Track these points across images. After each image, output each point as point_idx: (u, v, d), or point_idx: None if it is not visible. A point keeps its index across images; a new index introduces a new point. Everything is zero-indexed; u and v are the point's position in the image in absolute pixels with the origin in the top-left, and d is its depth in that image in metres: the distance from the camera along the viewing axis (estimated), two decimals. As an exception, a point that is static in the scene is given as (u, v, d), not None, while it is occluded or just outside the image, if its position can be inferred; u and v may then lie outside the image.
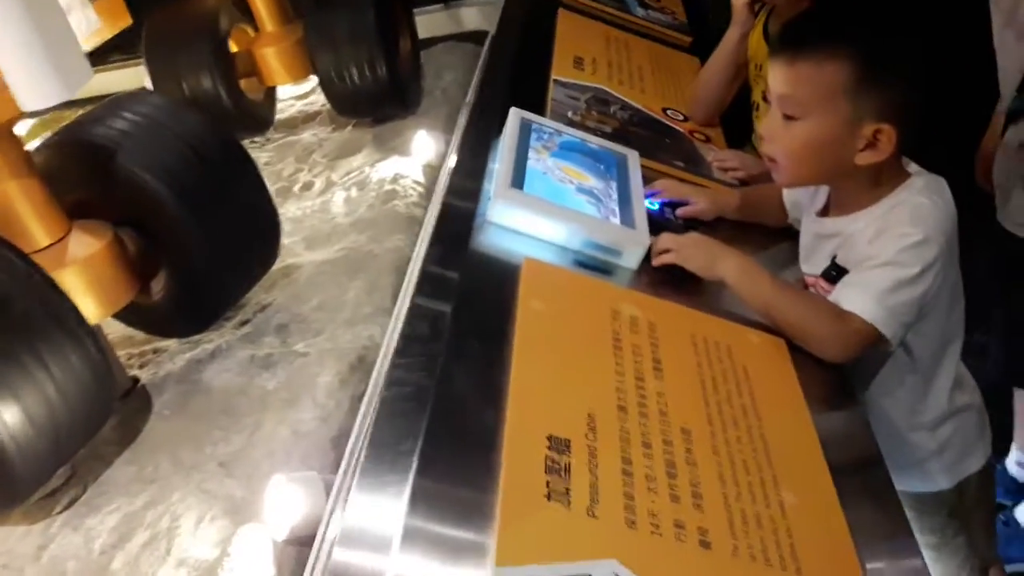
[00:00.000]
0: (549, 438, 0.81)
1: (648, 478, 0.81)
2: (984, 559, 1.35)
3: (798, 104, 1.06)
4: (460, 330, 0.97)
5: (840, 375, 1.09)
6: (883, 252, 1.05)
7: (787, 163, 1.11)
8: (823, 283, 1.18)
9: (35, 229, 1.41)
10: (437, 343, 0.96)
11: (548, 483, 0.76)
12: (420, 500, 0.76)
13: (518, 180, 1.16)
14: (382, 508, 0.78)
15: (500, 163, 1.19)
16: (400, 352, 0.95)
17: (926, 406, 1.20)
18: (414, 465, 0.79)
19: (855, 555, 0.81)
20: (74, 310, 1.28)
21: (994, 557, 1.43)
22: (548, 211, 1.13)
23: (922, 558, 0.87)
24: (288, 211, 2.13)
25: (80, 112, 1.67)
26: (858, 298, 1.04)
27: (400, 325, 1.40)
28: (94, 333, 1.31)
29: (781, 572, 0.76)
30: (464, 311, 1.00)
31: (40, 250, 1.41)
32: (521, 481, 0.76)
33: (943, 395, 1.20)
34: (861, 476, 0.95)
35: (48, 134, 1.62)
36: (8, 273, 1.22)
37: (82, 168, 1.52)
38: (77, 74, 1.34)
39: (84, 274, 1.43)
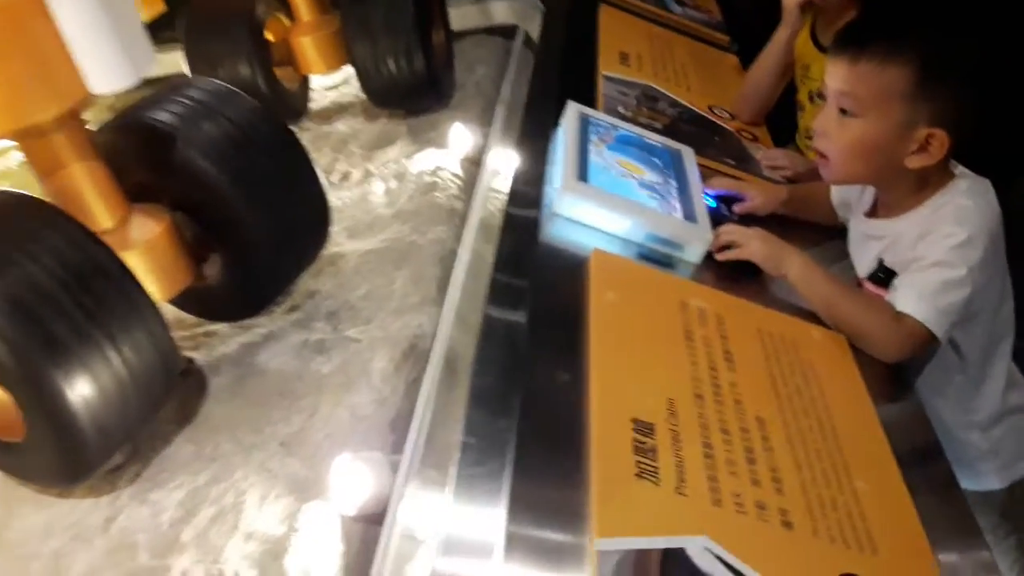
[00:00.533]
0: (634, 421, 0.85)
1: (729, 462, 0.85)
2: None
3: (856, 102, 1.08)
4: (536, 319, 1.01)
5: (897, 372, 1.12)
6: (930, 253, 1.09)
7: (838, 159, 1.14)
8: (870, 285, 1.22)
9: (98, 211, 1.45)
10: (515, 334, 1.00)
11: (638, 463, 0.80)
12: (519, 500, 0.78)
13: (582, 172, 1.19)
14: (481, 510, 0.81)
15: (564, 156, 1.22)
16: (481, 347, 0.98)
17: (978, 405, 1.23)
18: (509, 460, 0.82)
19: (926, 541, 0.85)
20: (140, 289, 1.31)
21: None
22: (613, 204, 1.17)
23: (989, 550, 0.91)
24: (328, 200, 2.16)
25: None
26: (911, 299, 1.07)
27: (454, 309, 1.45)
28: (158, 311, 1.35)
29: (859, 553, 0.80)
30: (538, 300, 1.04)
31: (103, 232, 1.44)
32: (612, 460, 0.80)
33: (995, 395, 1.23)
34: (923, 468, 0.99)
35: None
36: (80, 251, 1.26)
37: (141, 152, 1.55)
38: (144, 58, 1.37)
39: (145, 257, 1.46)
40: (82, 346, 1.21)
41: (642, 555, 0.73)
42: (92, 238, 1.29)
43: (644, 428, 0.84)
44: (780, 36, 1.60)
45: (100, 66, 1.31)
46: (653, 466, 0.80)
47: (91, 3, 1.27)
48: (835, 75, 1.11)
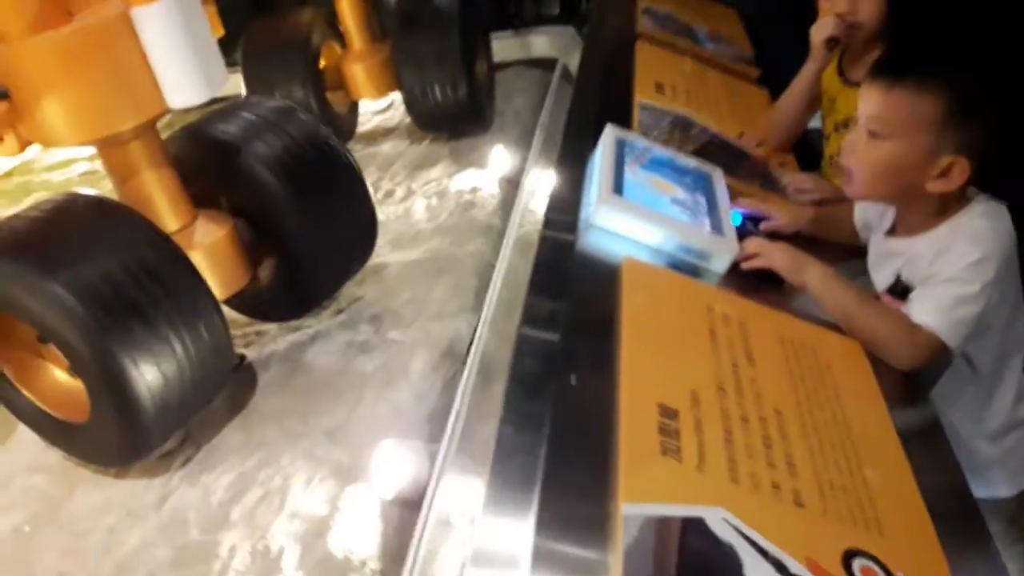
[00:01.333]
0: (659, 406, 0.92)
1: (747, 447, 0.91)
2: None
3: (886, 126, 1.15)
4: (572, 317, 1.09)
5: (913, 381, 1.18)
6: (946, 269, 1.15)
7: (862, 177, 1.21)
8: (888, 298, 1.28)
9: (167, 215, 1.57)
10: (553, 329, 1.08)
11: (661, 442, 0.87)
12: (552, 482, 0.83)
13: (618, 187, 1.28)
14: (515, 495, 0.87)
15: (601, 172, 1.31)
16: (521, 338, 1.06)
17: (988, 415, 1.28)
18: (544, 445, 0.89)
19: (932, 527, 0.90)
20: (204, 285, 1.42)
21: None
22: (646, 216, 1.25)
23: (998, 553, 0.96)
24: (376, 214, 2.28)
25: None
26: (925, 311, 1.14)
27: (491, 315, 1.53)
28: (219, 307, 1.45)
29: (866, 532, 0.86)
30: (574, 301, 1.12)
31: (171, 234, 1.56)
32: (638, 438, 0.87)
33: (1006, 406, 1.28)
34: (935, 471, 1.04)
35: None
36: (153, 248, 1.37)
37: (207, 161, 1.68)
38: (218, 76, 1.50)
39: (208, 258, 1.58)
40: (149, 335, 1.32)
41: (663, 523, 0.79)
42: (163, 237, 1.41)
43: (669, 412, 0.92)
44: (808, 70, 1.68)
45: (178, 82, 1.44)
46: (676, 445, 0.87)
47: (174, 25, 1.40)
48: (869, 100, 1.18)
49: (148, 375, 1.32)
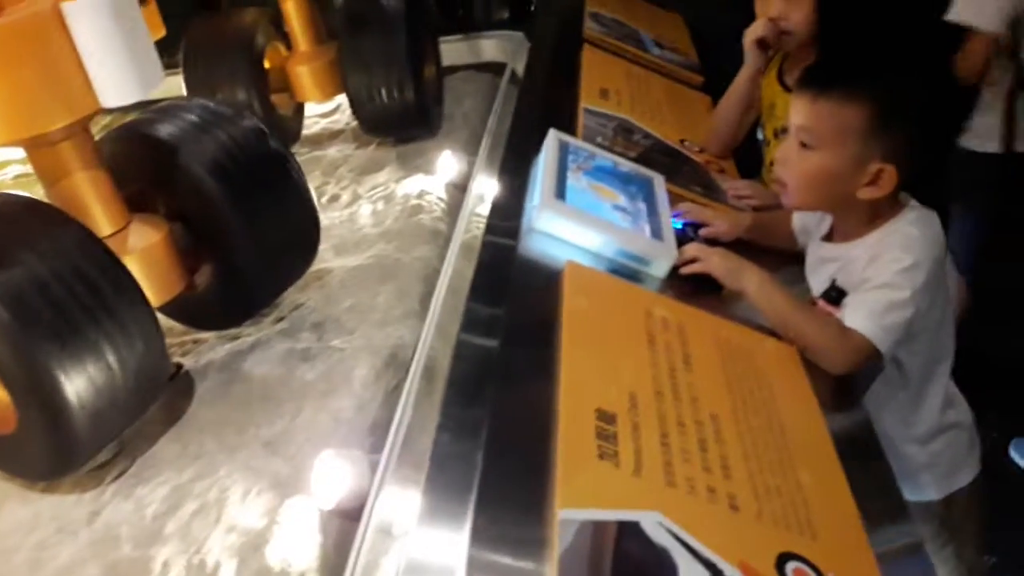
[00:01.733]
0: (597, 411, 0.92)
1: (683, 451, 0.92)
2: (972, 571, 1.46)
3: (814, 136, 1.18)
4: (512, 322, 1.09)
5: (845, 386, 1.21)
6: (878, 275, 1.18)
7: (795, 188, 1.24)
8: (823, 303, 1.31)
9: (100, 218, 1.52)
10: (493, 334, 1.08)
11: (599, 446, 0.87)
12: (488, 489, 0.83)
13: (560, 192, 1.28)
14: (453, 495, 0.86)
15: (543, 176, 1.32)
16: (460, 343, 1.06)
17: (917, 420, 1.31)
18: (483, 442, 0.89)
19: (863, 529, 0.92)
20: (139, 291, 1.38)
21: (983, 569, 1.54)
22: (587, 221, 1.26)
23: (922, 544, 0.98)
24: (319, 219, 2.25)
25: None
26: (858, 317, 1.16)
27: (435, 322, 1.52)
28: (154, 315, 1.41)
29: (799, 536, 0.87)
30: (514, 305, 1.12)
31: (104, 238, 1.51)
32: (576, 443, 0.87)
33: (934, 411, 1.32)
34: (866, 472, 1.06)
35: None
36: (83, 252, 1.33)
37: (142, 163, 1.63)
38: (153, 75, 1.46)
39: (142, 263, 1.53)
40: (79, 342, 1.27)
41: (599, 527, 0.79)
42: (95, 241, 1.36)
43: (607, 417, 0.92)
44: (742, 73, 1.71)
45: (111, 80, 1.39)
46: (613, 450, 0.87)
47: (106, 21, 1.36)
48: (797, 111, 1.21)
49: (78, 384, 1.27)
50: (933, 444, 1.32)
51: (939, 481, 1.35)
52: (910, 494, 1.35)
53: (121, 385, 1.34)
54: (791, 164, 1.22)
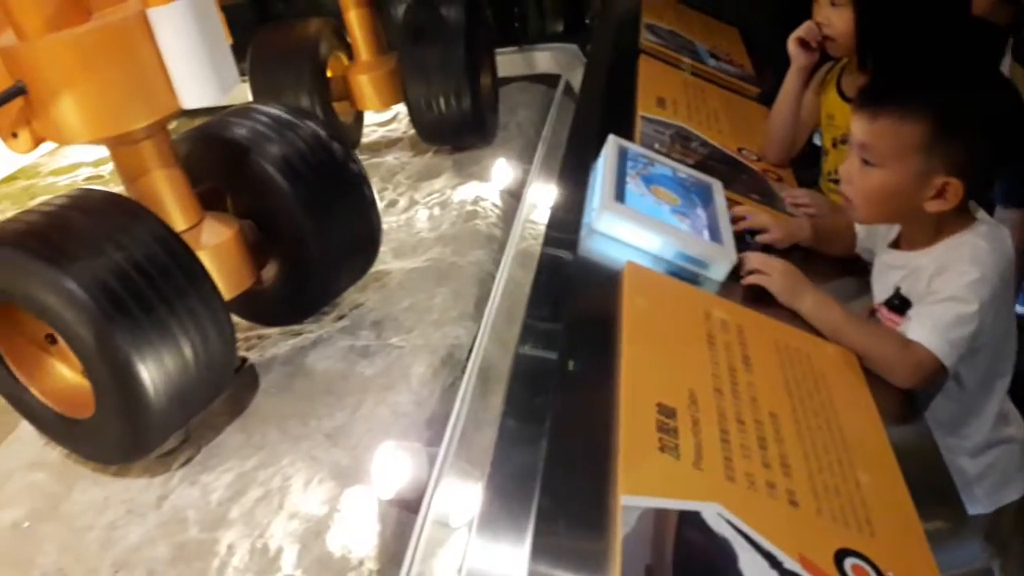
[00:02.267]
0: (658, 405, 0.94)
1: (743, 447, 0.93)
2: (1019, 586, 1.43)
3: (876, 154, 1.18)
4: (573, 320, 1.11)
5: (904, 395, 1.20)
6: (945, 288, 1.17)
7: (861, 204, 1.24)
8: (885, 311, 1.30)
9: (175, 214, 1.59)
10: (554, 330, 1.10)
11: (660, 438, 0.89)
12: (551, 480, 0.86)
13: (620, 195, 1.30)
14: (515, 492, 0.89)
15: (603, 180, 1.34)
16: (522, 339, 1.08)
17: (971, 432, 1.29)
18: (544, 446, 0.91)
19: (922, 530, 0.92)
20: (213, 285, 1.44)
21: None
22: (647, 223, 1.28)
23: (986, 555, 0.97)
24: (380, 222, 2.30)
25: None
26: (924, 330, 1.15)
27: (491, 323, 1.55)
28: (226, 307, 1.47)
29: (858, 533, 0.88)
30: (576, 303, 1.15)
31: (179, 233, 1.58)
32: (637, 433, 0.89)
33: (987, 425, 1.30)
34: (923, 473, 1.06)
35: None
36: (164, 246, 1.39)
37: (215, 162, 1.70)
38: (230, 77, 1.53)
39: (214, 259, 1.59)
40: (157, 331, 1.34)
41: (661, 515, 0.81)
42: (174, 235, 1.43)
43: (667, 411, 0.94)
44: (790, 75, 1.71)
45: (192, 82, 1.46)
46: (674, 443, 0.89)
47: (189, 26, 1.43)
48: (857, 129, 1.21)
49: (155, 372, 1.33)
50: (984, 457, 1.30)
51: (988, 495, 1.33)
52: (959, 507, 1.33)
53: (193, 374, 1.39)
54: (855, 182, 1.22)
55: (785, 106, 1.75)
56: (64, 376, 1.51)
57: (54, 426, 1.52)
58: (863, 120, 1.19)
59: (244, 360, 1.73)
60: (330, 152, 1.74)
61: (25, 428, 1.61)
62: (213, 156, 1.68)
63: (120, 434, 1.41)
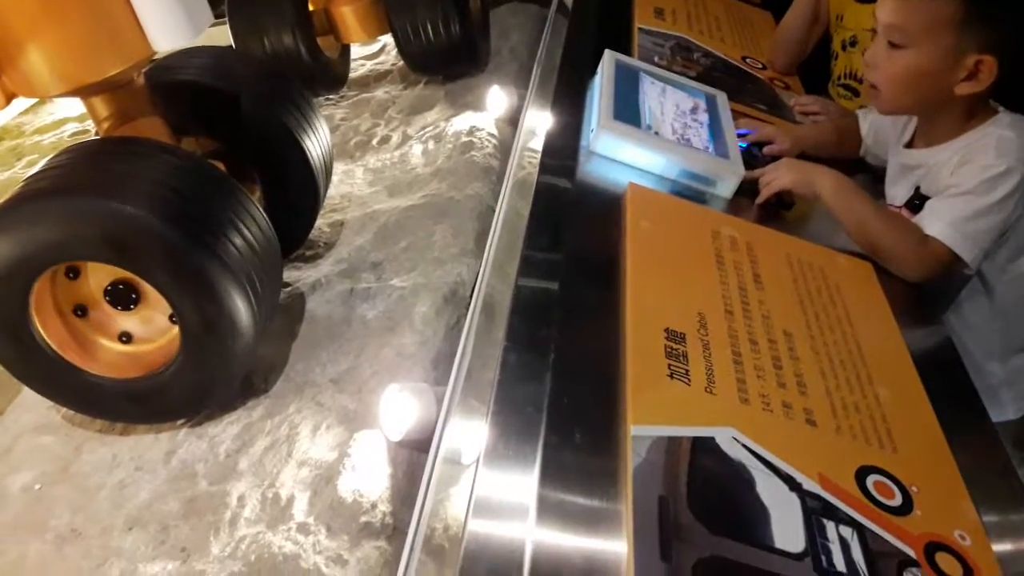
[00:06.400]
0: (666, 330, 0.90)
1: (757, 368, 0.89)
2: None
3: (905, 34, 1.10)
4: (574, 247, 1.06)
5: (923, 298, 1.15)
6: (965, 181, 1.11)
7: (889, 90, 1.17)
8: (907, 212, 1.24)
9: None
10: (555, 259, 1.05)
11: (669, 365, 0.85)
12: (556, 411, 0.83)
13: (619, 113, 1.24)
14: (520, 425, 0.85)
15: (600, 98, 1.27)
16: (524, 261, 1.04)
17: (1000, 336, 1.26)
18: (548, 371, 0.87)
19: (945, 442, 0.88)
20: (255, 205, 1.38)
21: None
22: (648, 142, 1.21)
23: (1013, 468, 0.94)
24: (368, 163, 2.23)
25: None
26: (938, 223, 1.10)
27: (493, 258, 1.50)
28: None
29: (879, 449, 0.84)
30: (577, 228, 1.09)
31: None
32: (645, 362, 0.85)
33: (1017, 329, 1.26)
34: (945, 383, 1.02)
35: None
36: (198, 173, 1.33)
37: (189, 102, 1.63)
38: (202, 17, 1.45)
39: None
40: (226, 249, 1.28)
41: (673, 443, 0.78)
42: (202, 160, 1.39)
43: (676, 336, 0.89)
44: None
45: (162, 23, 1.39)
46: (684, 368, 0.85)
47: (153, -36, 1.34)
48: (885, 9, 1.13)
49: (237, 290, 1.28)
50: (1014, 360, 1.26)
51: (1018, 400, 1.30)
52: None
53: (262, 302, 1.35)
54: (881, 67, 1.15)
55: (800, 12, 1.66)
56: (108, 344, 1.45)
57: (112, 400, 1.45)
58: None
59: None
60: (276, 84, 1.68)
61: (27, 393, 1.59)
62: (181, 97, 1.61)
63: (212, 369, 1.35)
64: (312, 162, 1.69)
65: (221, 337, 1.30)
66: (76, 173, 1.28)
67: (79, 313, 1.40)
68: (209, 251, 1.25)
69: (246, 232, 1.34)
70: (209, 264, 1.25)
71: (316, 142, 1.73)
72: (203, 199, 1.29)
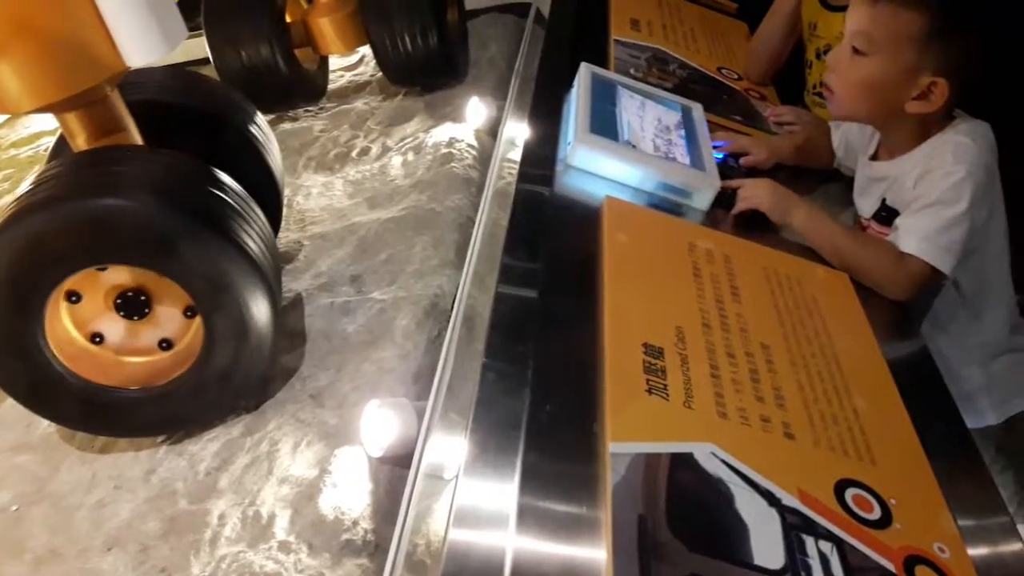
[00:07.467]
0: (644, 345, 0.90)
1: (734, 381, 0.90)
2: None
3: (870, 41, 1.12)
4: (551, 262, 1.07)
5: (899, 308, 1.16)
6: (928, 192, 1.13)
7: (844, 95, 1.19)
8: (875, 224, 1.26)
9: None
10: (532, 275, 1.05)
11: (647, 380, 0.85)
12: (534, 430, 0.82)
13: (595, 126, 1.24)
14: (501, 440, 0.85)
15: (576, 111, 1.27)
16: (502, 275, 1.04)
17: (977, 340, 1.27)
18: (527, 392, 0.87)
19: (923, 454, 0.89)
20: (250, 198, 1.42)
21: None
22: (624, 154, 1.22)
23: (990, 476, 0.95)
24: (347, 174, 2.23)
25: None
26: (913, 240, 1.12)
27: (473, 270, 1.50)
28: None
29: (858, 462, 0.85)
30: (553, 244, 1.09)
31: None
32: (623, 378, 0.85)
33: (994, 332, 1.27)
34: (923, 393, 1.03)
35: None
36: (203, 174, 1.37)
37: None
38: (176, 32, 1.44)
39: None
40: (240, 247, 1.31)
41: (652, 460, 0.78)
42: (204, 165, 1.41)
43: (654, 351, 0.90)
44: None
45: (135, 40, 1.38)
46: (662, 383, 0.85)
47: (124, -21, 1.33)
48: (854, 15, 1.15)
49: (258, 297, 1.32)
50: (993, 366, 1.28)
51: (998, 405, 1.31)
52: (968, 420, 1.31)
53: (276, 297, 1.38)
54: (841, 71, 1.17)
55: (776, 24, 1.69)
56: (120, 360, 1.43)
57: (138, 414, 1.41)
58: (863, 5, 1.14)
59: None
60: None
61: (4, 412, 1.57)
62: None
63: (243, 372, 1.38)
64: (275, 174, 1.70)
65: (245, 333, 1.33)
66: (84, 175, 1.31)
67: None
68: (235, 246, 1.28)
69: (258, 229, 1.38)
70: (236, 259, 1.28)
71: (273, 155, 1.74)
72: (213, 197, 1.33)
